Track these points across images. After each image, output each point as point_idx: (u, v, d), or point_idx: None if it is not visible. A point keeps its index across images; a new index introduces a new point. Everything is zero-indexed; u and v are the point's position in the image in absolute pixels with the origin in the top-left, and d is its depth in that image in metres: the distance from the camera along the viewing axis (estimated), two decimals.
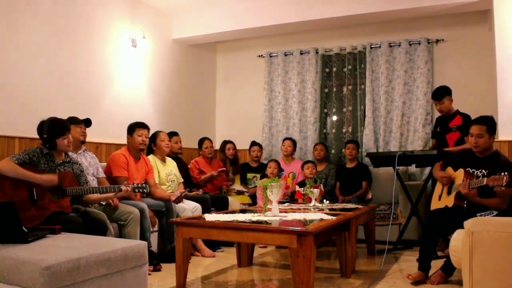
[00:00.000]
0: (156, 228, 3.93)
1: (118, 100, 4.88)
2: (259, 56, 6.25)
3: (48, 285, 1.92)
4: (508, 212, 3.04)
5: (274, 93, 6.13)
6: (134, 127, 4.01)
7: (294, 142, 5.52)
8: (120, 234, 3.43)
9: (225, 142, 5.60)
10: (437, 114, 4.62)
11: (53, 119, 3.19)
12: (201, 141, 5.30)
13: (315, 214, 3.45)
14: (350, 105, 5.78)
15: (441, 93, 4.26)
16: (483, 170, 3.20)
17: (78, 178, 3.24)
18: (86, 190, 3.22)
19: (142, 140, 3.99)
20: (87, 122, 3.79)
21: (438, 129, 4.44)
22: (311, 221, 3.00)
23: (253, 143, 5.64)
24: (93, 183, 3.65)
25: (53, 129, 3.12)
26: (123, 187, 3.31)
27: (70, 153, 3.36)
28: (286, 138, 5.56)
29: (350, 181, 5.10)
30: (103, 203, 3.52)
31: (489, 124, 3.22)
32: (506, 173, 2.83)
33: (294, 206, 4.16)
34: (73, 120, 3.61)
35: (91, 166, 3.74)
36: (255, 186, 5.32)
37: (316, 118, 5.82)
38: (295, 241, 2.58)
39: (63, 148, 3.17)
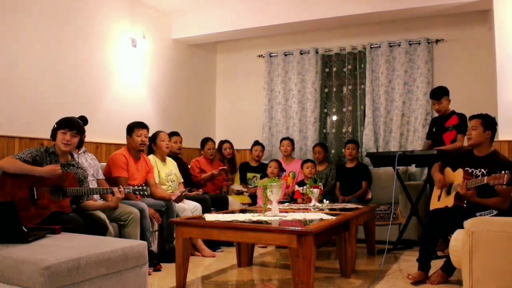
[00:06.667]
0: (156, 228, 3.93)
1: (118, 100, 4.88)
2: (259, 56, 6.25)
3: (48, 285, 1.92)
4: (508, 211, 3.04)
5: (274, 93, 6.13)
6: (133, 127, 4.00)
7: (292, 142, 5.52)
8: (120, 234, 3.43)
9: (222, 142, 5.60)
10: (436, 114, 4.62)
11: (70, 116, 3.26)
12: (204, 141, 5.29)
13: (315, 214, 3.45)
14: (350, 105, 5.78)
15: (440, 93, 4.30)
16: (482, 170, 3.20)
17: (80, 183, 3.23)
18: (86, 191, 3.22)
19: (141, 140, 3.97)
20: (83, 121, 3.77)
21: (434, 130, 4.46)
22: (311, 221, 3.00)
23: (256, 143, 5.63)
24: (93, 183, 3.65)
25: (60, 121, 3.18)
26: (111, 197, 3.36)
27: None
28: (284, 138, 5.54)
29: (350, 181, 5.10)
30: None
31: (484, 118, 3.27)
32: (506, 171, 2.83)
33: (294, 206, 4.16)
34: None
35: (91, 167, 3.74)
36: (255, 186, 5.31)
37: (316, 118, 5.82)
38: (295, 241, 2.58)
39: (58, 143, 3.14)
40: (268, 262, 4.06)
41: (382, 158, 4.33)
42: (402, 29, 5.50)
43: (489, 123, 3.26)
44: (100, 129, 4.42)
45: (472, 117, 3.34)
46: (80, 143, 3.29)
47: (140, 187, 3.47)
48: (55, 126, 3.17)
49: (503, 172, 2.84)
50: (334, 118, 6.02)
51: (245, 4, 5.41)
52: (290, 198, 4.92)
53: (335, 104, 5.98)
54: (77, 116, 3.72)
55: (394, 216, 4.44)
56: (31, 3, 3.98)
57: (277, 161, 5.10)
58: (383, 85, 5.50)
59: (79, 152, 3.71)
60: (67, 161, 3.22)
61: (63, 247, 2.21)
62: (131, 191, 3.43)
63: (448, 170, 3.45)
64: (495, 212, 3.06)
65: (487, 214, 3.06)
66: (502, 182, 2.82)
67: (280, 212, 3.32)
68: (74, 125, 3.19)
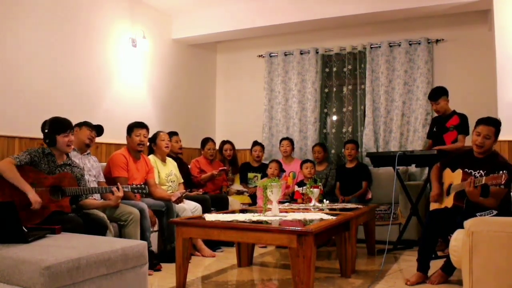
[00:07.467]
0: (156, 228, 3.93)
1: (118, 100, 4.88)
2: (259, 56, 6.25)
3: (48, 285, 1.92)
4: (508, 212, 3.04)
5: (274, 93, 6.13)
6: (132, 127, 4.00)
7: (291, 142, 5.52)
8: (120, 234, 3.43)
9: (223, 143, 5.60)
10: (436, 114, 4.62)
11: (57, 117, 3.21)
12: (204, 141, 5.29)
13: (315, 214, 3.45)
14: (350, 105, 5.78)
15: (437, 94, 4.29)
16: (481, 171, 3.19)
17: (78, 182, 3.23)
18: (86, 190, 3.22)
19: (140, 140, 3.96)
20: (99, 129, 3.78)
21: (434, 129, 4.46)
22: (311, 221, 3.00)
23: (255, 143, 5.63)
24: (94, 184, 3.65)
25: (55, 126, 3.14)
26: (111, 196, 3.35)
27: (74, 153, 3.37)
28: (283, 139, 5.54)
29: (350, 181, 5.10)
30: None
31: (498, 126, 3.20)
32: (504, 171, 2.82)
33: (294, 206, 4.16)
34: (86, 123, 3.68)
35: (94, 169, 3.73)
36: (256, 186, 5.31)
37: (316, 118, 5.82)
38: (295, 241, 2.58)
39: (62, 146, 3.15)
40: (268, 262, 4.06)
41: (382, 158, 4.33)
42: (402, 29, 5.50)
43: (499, 131, 3.20)
44: None
45: (484, 123, 3.19)
46: None
47: (139, 186, 3.47)
48: (49, 130, 3.12)
49: (501, 172, 2.83)
50: (334, 118, 6.02)
51: (245, 4, 5.41)
52: (290, 198, 4.92)
53: (335, 104, 5.99)
54: (94, 123, 3.75)
55: (394, 216, 4.44)
56: (32, 4, 3.98)
57: (277, 161, 5.09)
58: (383, 85, 5.50)
59: (84, 154, 3.71)
60: (63, 161, 3.23)
61: (63, 247, 2.21)
62: (129, 189, 3.44)
63: (447, 170, 3.45)
64: (495, 212, 3.05)
65: (487, 214, 3.06)
66: (500, 182, 2.80)
67: (280, 212, 3.32)
68: (70, 124, 3.21)
